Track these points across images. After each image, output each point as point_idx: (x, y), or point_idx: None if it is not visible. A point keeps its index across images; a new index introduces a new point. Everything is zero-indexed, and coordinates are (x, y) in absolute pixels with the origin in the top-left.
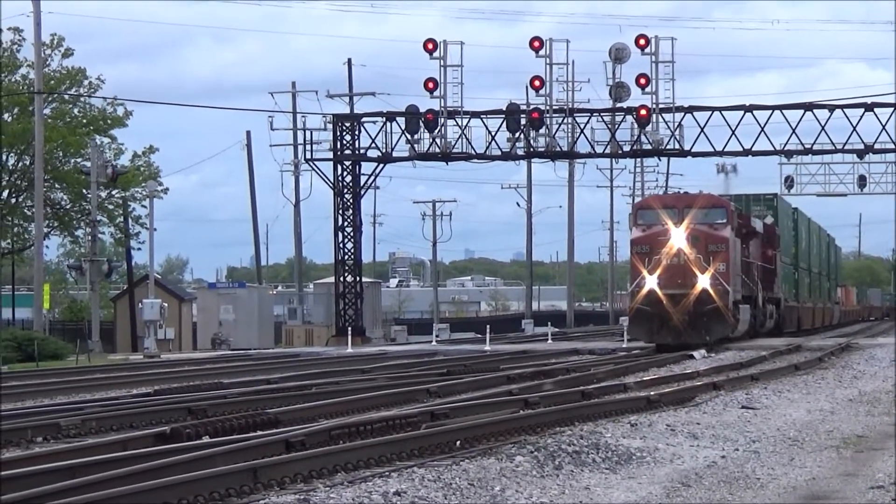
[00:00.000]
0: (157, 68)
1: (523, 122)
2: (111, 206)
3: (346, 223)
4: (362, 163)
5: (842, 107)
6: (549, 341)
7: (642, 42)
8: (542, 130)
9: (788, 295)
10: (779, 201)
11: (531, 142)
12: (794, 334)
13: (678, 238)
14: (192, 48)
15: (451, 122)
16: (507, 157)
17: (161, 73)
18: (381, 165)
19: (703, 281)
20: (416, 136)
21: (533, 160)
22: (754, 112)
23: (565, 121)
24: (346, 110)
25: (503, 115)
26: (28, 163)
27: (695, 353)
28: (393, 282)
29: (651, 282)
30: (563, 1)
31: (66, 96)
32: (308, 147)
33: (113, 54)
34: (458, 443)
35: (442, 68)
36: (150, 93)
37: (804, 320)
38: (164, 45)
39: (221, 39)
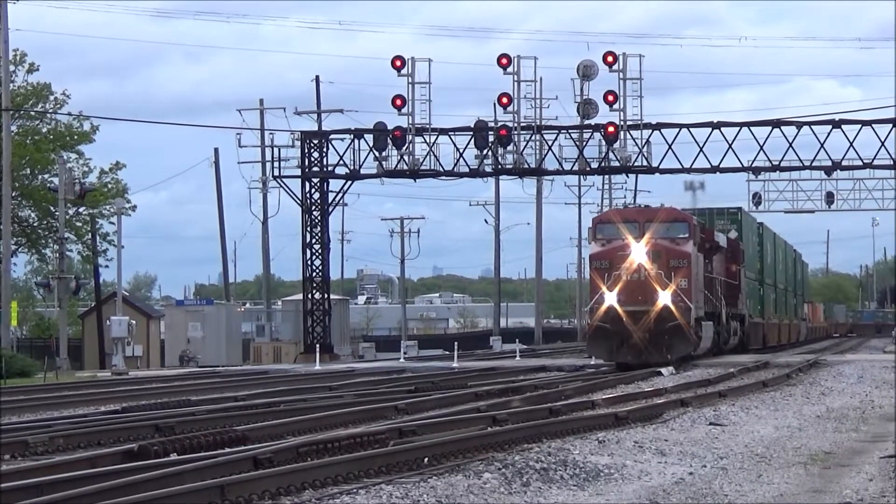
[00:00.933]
0: (128, 85)
1: (491, 139)
2: (79, 224)
3: (314, 240)
4: (330, 180)
5: (809, 123)
6: (518, 358)
7: (610, 59)
8: (510, 147)
9: (753, 311)
10: (743, 216)
11: (499, 159)
12: (759, 351)
13: (638, 253)
14: (165, 65)
15: (419, 139)
16: (475, 174)
17: (133, 90)
18: (349, 182)
19: (665, 297)
20: (384, 154)
21: (501, 177)
22: (722, 129)
23: (533, 138)
24: (315, 127)
25: (471, 133)
26: None
27: (662, 370)
28: (361, 299)
29: (611, 298)
30: (535, 19)
31: (33, 112)
32: (276, 164)
33: (85, 71)
34: (427, 460)
35: (410, 85)
36: (121, 110)
37: (770, 337)
38: (136, 63)
39: (193, 57)
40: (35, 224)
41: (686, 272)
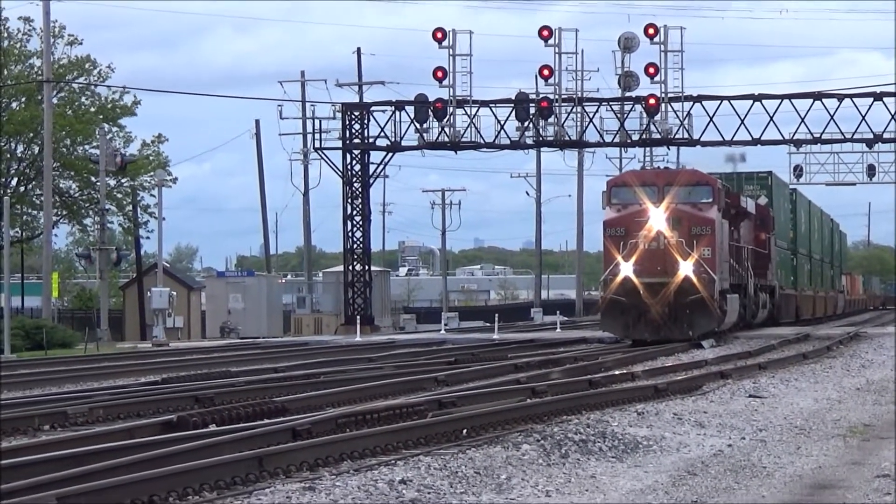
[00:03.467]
0: (176, 57)
1: (532, 111)
2: (120, 195)
3: (355, 212)
4: (371, 152)
5: (851, 96)
6: (558, 330)
7: (651, 31)
8: (551, 119)
9: (785, 282)
10: (774, 180)
11: (540, 131)
12: (792, 325)
13: (657, 219)
14: (212, 38)
15: (459, 111)
16: (515, 146)
17: (179, 63)
18: (390, 154)
19: (686, 268)
20: (424, 126)
21: (542, 149)
22: (763, 101)
23: (574, 110)
24: (357, 99)
25: (512, 105)
26: (36, 151)
27: (703, 342)
28: (402, 271)
29: (626, 269)
30: None
31: (75, 85)
32: (317, 136)
33: (133, 44)
34: (465, 431)
35: (451, 58)
36: (167, 82)
37: (804, 309)
38: (184, 35)
39: (242, 29)
40: (76, 195)
41: (709, 240)
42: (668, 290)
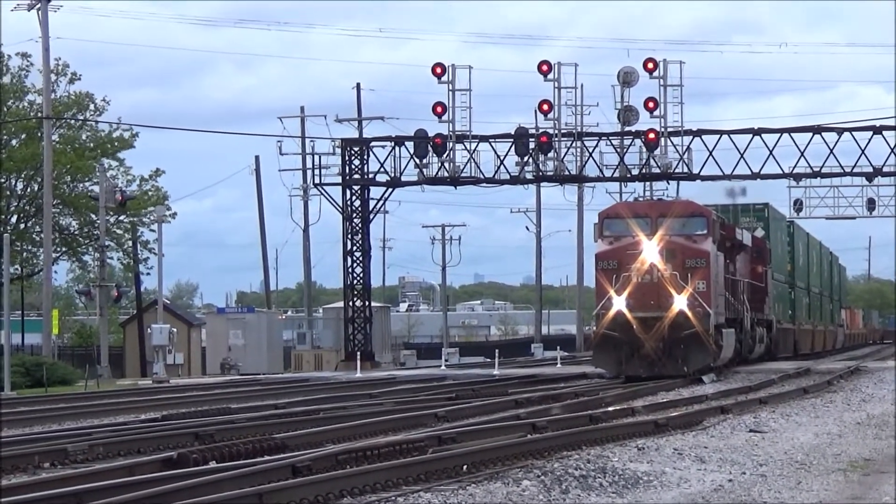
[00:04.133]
0: (176, 93)
1: (532, 146)
2: (120, 231)
3: (355, 248)
4: (371, 187)
5: (850, 129)
6: (559, 365)
7: (650, 66)
8: (550, 154)
9: (783, 316)
10: (771, 212)
11: (540, 165)
12: (789, 360)
13: (650, 252)
14: (213, 74)
15: (459, 146)
16: (515, 181)
17: (180, 98)
18: (390, 190)
19: (680, 302)
20: (424, 161)
21: (542, 184)
22: (763, 135)
23: (574, 144)
24: (356, 135)
25: (512, 140)
26: (36, 188)
27: (704, 377)
28: (403, 306)
29: (619, 303)
30: (580, 25)
31: (73, 121)
32: (317, 172)
33: (134, 80)
34: (465, 467)
35: (450, 93)
36: (167, 118)
37: (802, 344)
38: (185, 71)
39: (243, 65)
40: (76, 232)
41: (704, 273)
42: (661, 325)
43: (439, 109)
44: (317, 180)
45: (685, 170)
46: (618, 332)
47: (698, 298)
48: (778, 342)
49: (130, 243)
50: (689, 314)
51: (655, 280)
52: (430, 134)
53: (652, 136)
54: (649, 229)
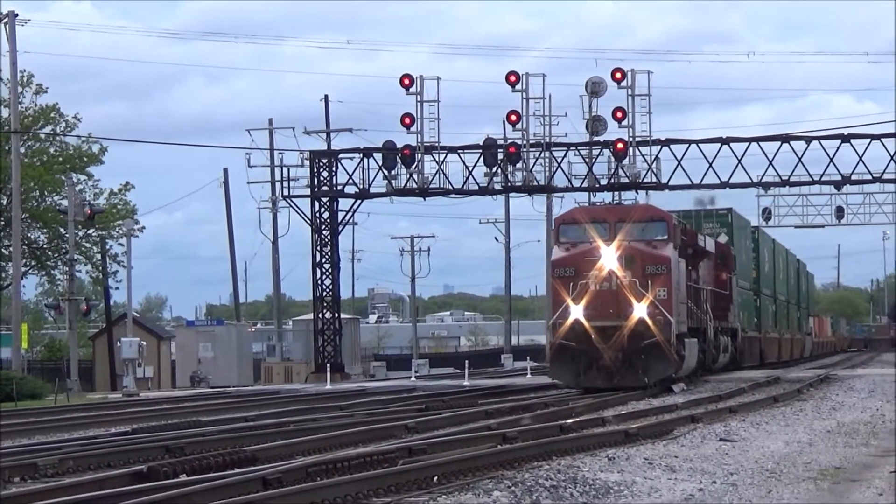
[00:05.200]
0: (146, 107)
1: (500, 156)
2: (88, 245)
3: (324, 259)
4: (340, 199)
5: (818, 138)
6: (529, 376)
7: (618, 76)
8: (519, 165)
9: (748, 325)
10: (734, 217)
11: (509, 176)
12: (755, 369)
13: (609, 258)
14: (183, 87)
15: (428, 157)
16: (484, 191)
17: (150, 112)
18: (359, 202)
19: (640, 310)
20: (393, 172)
21: (510, 195)
22: (731, 144)
23: (542, 155)
24: (325, 147)
25: (480, 151)
26: (4, 202)
27: (674, 387)
28: (372, 318)
29: (576, 312)
30: (554, 37)
31: (42, 135)
32: (285, 184)
33: (103, 93)
34: (436, 478)
35: (419, 104)
36: (137, 131)
37: (768, 353)
38: (156, 85)
39: (213, 78)
40: (44, 246)
41: (665, 280)
42: (621, 334)
43: (407, 121)
44: (285, 192)
45: (654, 179)
46: (575, 342)
47: (659, 306)
48: (743, 351)
49: (99, 257)
50: (650, 323)
51: (614, 287)
52: (399, 145)
53: (620, 145)
54: (608, 235)
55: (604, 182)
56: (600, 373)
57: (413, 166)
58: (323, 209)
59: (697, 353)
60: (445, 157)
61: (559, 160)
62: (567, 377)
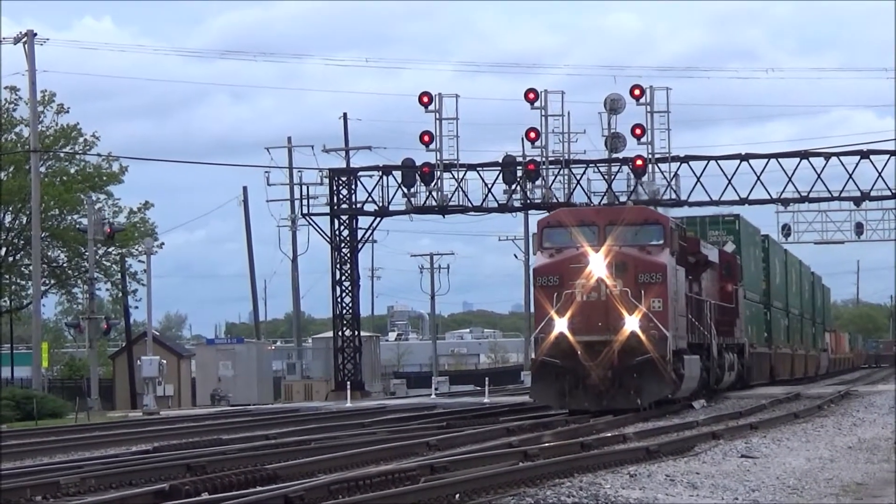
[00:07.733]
0: (169, 125)
1: (520, 173)
2: (108, 263)
3: (343, 277)
4: (359, 217)
5: (838, 154)
6: None
7: (637, 93)
8: (538, 182)
9: (757, 339)
10: (742, 224)
11: (528, 193)
12: (765, 386)
13: (597, 265)
14: (208, 106)
15: (447, 174)
16: (503, 209)
17: (173, 130)
18: (378, 219)
19: (632, 323)
20: (412, 190)
21: (530, 212)
22: (750, 161)
23: (561, 172)
24: (344, 165)
25: (499, 168)
26: (25, 221)
27: (694, 403)
28: (392, 335)
29: (561, 325)
30: (575, 54)
31: (62, 154)
32: (304, 202)
33: (127, 111)
34: (458, 496)
35: (437, 122)
36: (161, 150)
37: (780, 369)
38: (180, 103)
39: (238, 97)
40: (64, 265)
41: (661, 290)
42: (610, 350)
43: (426, 138)
44: (305, 210)
45: (673, 196)
46: (559, 359)
47: (653, 319)
48: (751, 368)
49: (119, 275)
50: (643, 337)
51: (603, 298)
52: (419, 163)
53: (639, 162)
54: (596, 239)
55: (623, 199)
56: (588, 393)
57: (432, 184)
58: (342, 227)
59: (700, 373)
60: (465, 174)
61: (578, 177)
62: (550, 398)
